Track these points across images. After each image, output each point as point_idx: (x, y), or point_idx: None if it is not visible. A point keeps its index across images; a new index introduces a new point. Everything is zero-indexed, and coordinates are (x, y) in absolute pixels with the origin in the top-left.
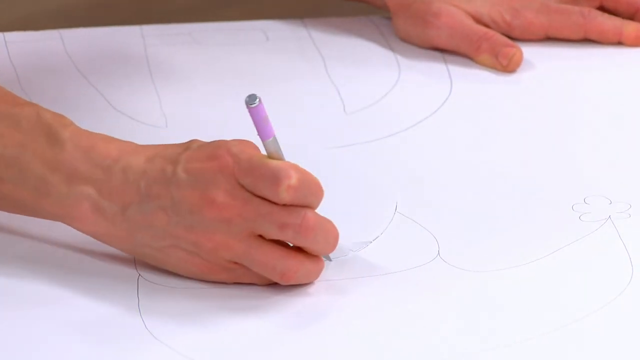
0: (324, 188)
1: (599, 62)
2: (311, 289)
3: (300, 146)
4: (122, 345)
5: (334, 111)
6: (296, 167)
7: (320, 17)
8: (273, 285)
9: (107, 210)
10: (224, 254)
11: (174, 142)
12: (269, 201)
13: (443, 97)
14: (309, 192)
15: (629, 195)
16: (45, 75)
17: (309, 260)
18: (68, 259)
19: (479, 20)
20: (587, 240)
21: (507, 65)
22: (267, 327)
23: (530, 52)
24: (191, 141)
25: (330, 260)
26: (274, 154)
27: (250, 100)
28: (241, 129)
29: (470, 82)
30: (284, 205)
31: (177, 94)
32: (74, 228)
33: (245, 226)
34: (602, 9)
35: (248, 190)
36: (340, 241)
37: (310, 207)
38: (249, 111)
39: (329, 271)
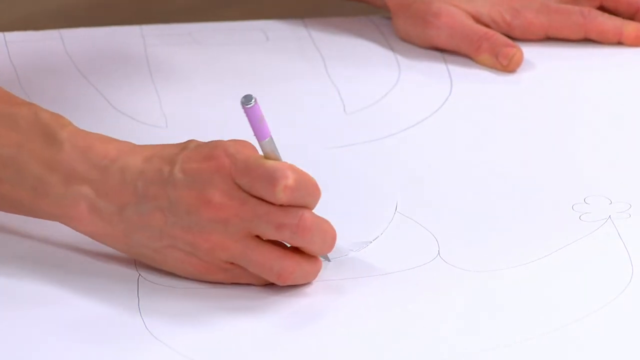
0: (323, 188)
1: (599, 62)
2: (309, 289)
3: (300, 146)
4: (122, 345)
5: (334, 111)
6: (293, 168)
7: (320, 17)
8: (273, 285)
9: (104, 210)
10: (221, 254)
11: (174, 142)
12: (266, 201)
13: (443, 97)
14: (306, 193)
15: (629, 195)
16: (45, 75)
17: (306, 261)
18: (68, 259)
19: (479, 20)
20: (587, 240)
21: (507, 65)
22: (267, 327)
23: (530, 52)
24: (188, 141)
25: (329, 260)
26: (271, 155)
27: (246, 100)
28: (241, 129)
29: (471, 82)
30: (281, 205)
31: (177, 94)
32: (72, 228)
33: (242, 226)
34: (602, 9)
35: (245, 191)
36: (340, 241)
37: (308, 207)
38: (245, 111)
39: (328, 271)
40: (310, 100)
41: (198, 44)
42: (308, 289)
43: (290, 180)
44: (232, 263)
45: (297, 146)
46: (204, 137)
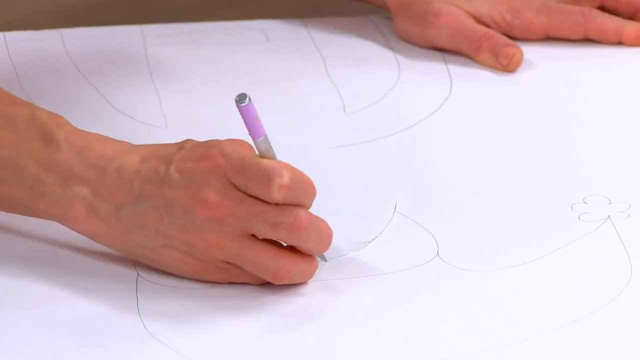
0: (323, 188)
1: (599, 62)
2: (306, 288)
3: (300, 146)
4: (121, 345)
5: (334, 111)
6: (288, 166)
7: (320, 17)
8: (270, 284)
9: (101, 210)
10: (217, 253)
11: (173, 142)
12: (262, 200)
13: (443, 97)
14: (301, 191)
15: (629, 195)
16: (45, 75)
17: (302, 260)
18: (67, 259)
19: (479, 20)
20: (586, 240)
21: (507, 65)
22: (266, 327)
23: (530, 52)
24: (185, 141)
25: (325, 260)
26: (266, 153)
27: (241, 99)
28: (241, 129)
29: (470, 82)
30: (276, 204)
31: (177, 94)
32: (69, 228)
33: (238, 226)
34: (602, 8)
35: (240, 190)
36: (339, 241)
37: (303, 206)
38: (239, 110)
39: (326, 271)
40: (310, 100)
41: (198, 44)
42: (305, 289)
43: (285, 178)
44: (228, 262)
45: (297, 146)
46: (204, 137)
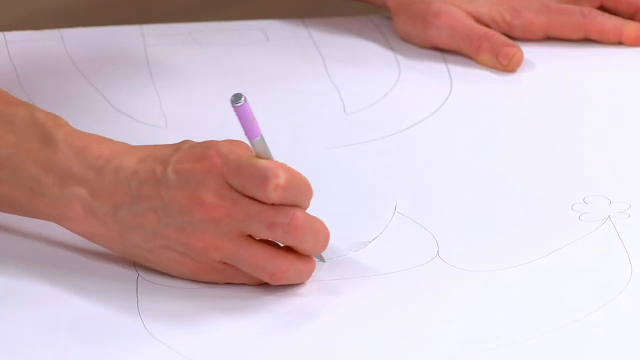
0: (323, 188)
1: (599, 62)
2: (304, 289)
3: (300, 146)
4: (121, 345)
5: (334, 111)
6: (284, 167)
7: (320, 17)
8: (269, 285)
9: (98, 211)
10: (214, 254)
11: (174, 142)
12: (258, 201)
13: (443, 97)
14: (298, 192)
15: (629, 195)
16: (45, 75)
17: (299, 260)
18: (67, 259)
19: (479, 20)
20: (586, 240)
21: (507, 65)
22: (267, 327)
23: (530, 52)
24: (183, 142)
25: (323, 260)
26: (262, 154)
27: (236, 99)
28: (241, 129)
29: (471, 82)
30: (273, 204)
31: (177, 94)
32: (67, 229)
33: (234, 226)
34: (602, 8)
35: (237, 191)
36: (339, 241)
37: (300, 206)
38: (235, 110)
39: (327, 271)
40: (310, 100)
41: (198, 44)
42: (303, 289)
43: (281, 179)
44: (225, 263)
45: (297, 146)
46: (204, 137)
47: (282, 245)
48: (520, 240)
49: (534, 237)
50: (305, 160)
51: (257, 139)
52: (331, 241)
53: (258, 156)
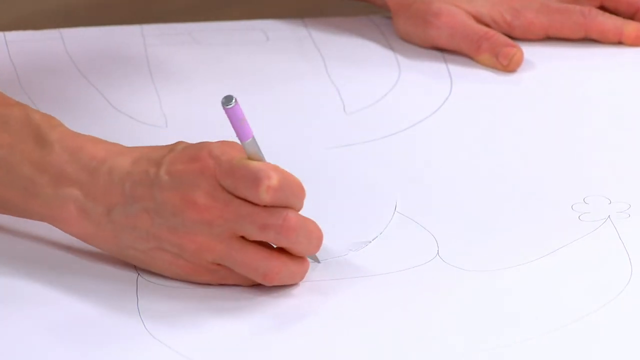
0: (323, 188)
1: (599, 62)
2: (299, 289)
3: (300, 146)
4: (121, 345)
5: (334, 111)
6: (276, 168)
7: (320, 17)
8: (263, 286)
9: (92, 211)
10: (207, 255)
11: (173, 142)
12: (250, 202)
13: (443, 97)
14: (290, 193)
15: (629, 195)
16: (45, 75)
17: (292, 262)
18: (66, 259)
19: (479, 20)
20: (586, 240)
21: (507, 65)
22: (266, 327)
23: (530, 52)
24: (177, 143)
25: (318, 261)
26: (254, 155)
27: (227, 101)
28: None
29: (471, 82)
30: (265, 206)
31: (177, 94)
32: (61, 230)
33: (227, 227)
34: (602, 8)
35: (229, 192)
36: (339, 241)
37: (293, 207)
38: (226, 112)
39: (328, 272)
40: (310, 100)
41: (198, 44)
42: (297, 290)
43: (273, 180)
44: (218, 264)
45: (297, 146)
46: (204, 137)
47: (275, 246)
48: (520, 240)
49: (534, 237)
50: (305, 160)
51: (249, 140)
52: (327, 242)
53: (250, 158)
